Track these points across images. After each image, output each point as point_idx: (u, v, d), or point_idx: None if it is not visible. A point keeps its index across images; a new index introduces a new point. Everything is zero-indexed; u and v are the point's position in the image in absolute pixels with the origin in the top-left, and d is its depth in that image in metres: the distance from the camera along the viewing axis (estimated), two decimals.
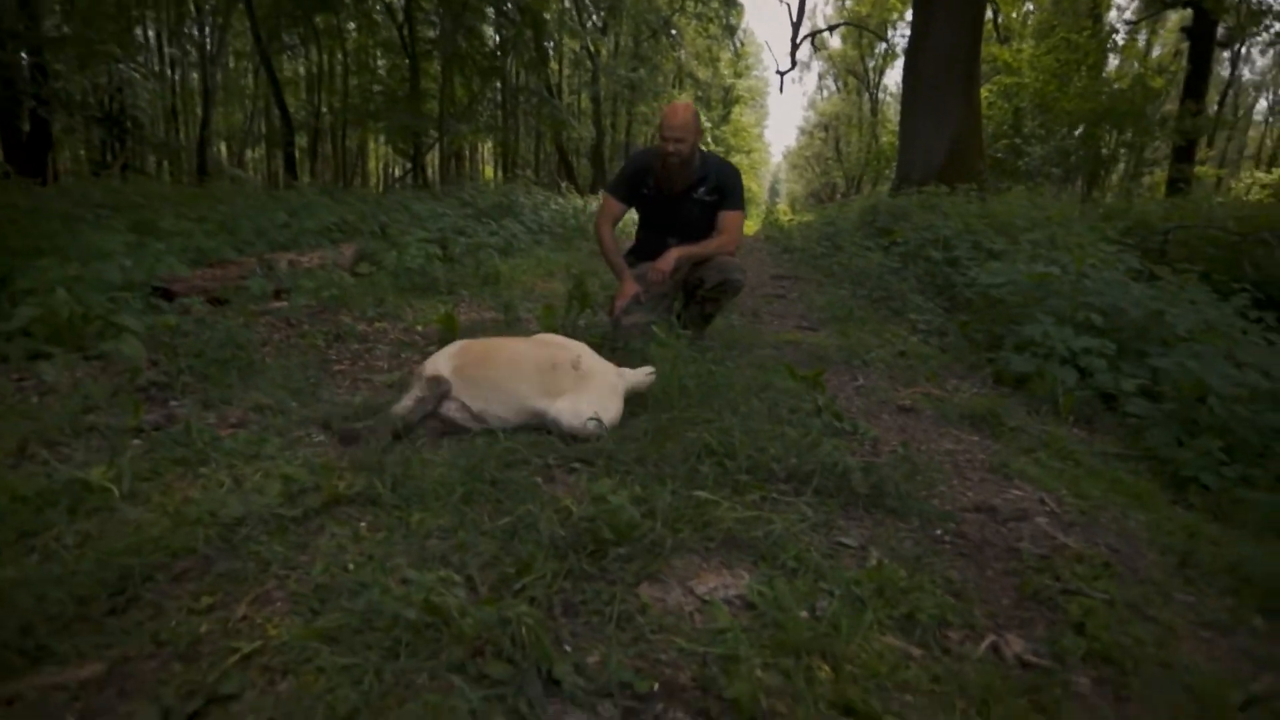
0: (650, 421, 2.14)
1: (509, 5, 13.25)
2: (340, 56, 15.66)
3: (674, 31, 21.41)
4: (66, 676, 1.02)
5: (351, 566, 1.31)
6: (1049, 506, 1.90)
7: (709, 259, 3.26)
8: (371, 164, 26.08)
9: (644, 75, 19.84)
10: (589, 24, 18.99)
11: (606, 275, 5.13)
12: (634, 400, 2.30)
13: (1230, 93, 27.38)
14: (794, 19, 20.93)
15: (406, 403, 2.07)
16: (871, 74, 33.54)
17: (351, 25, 15.33)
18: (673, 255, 3.17)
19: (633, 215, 3.62)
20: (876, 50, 31.96)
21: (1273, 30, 17.92)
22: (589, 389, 2.13)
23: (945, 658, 1.19)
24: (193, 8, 15.29)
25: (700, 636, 1.17)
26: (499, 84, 15.86)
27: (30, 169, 8.03)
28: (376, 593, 1.13)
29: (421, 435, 2.02)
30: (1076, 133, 14.52)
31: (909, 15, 14.33)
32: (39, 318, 2.30)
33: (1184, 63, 15.70)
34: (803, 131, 53.00)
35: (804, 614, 1.24)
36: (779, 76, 44.68)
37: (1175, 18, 21.67)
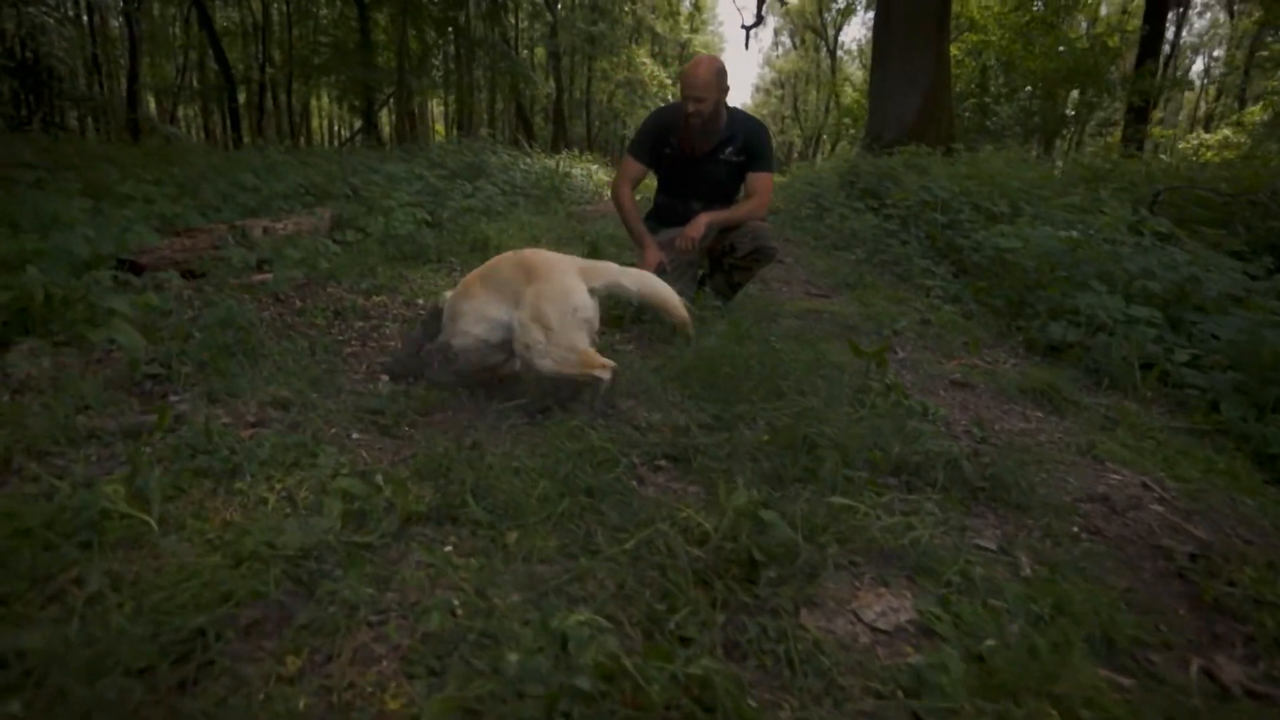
0: (720, 404, 1.96)
1: None
2: (281, 4, 14.54)
3: None
4: None
5: (460, 609, 1.10)
6: (1155, 492, 1.79)
7: (740, 224, 3.05)
8: (315, 122, 24.69)
9: (604, 29, 19.10)
10: None
11: (618, 235, 4.87)
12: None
13: (1173, 55, 28.07)
14: None
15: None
16: (829, 29, 33.20)
17: None
18: (702, 221, 2.96)
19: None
20: (834, 4, 31.59)
21: None
22: (524, 303, 1.91)
23: (1161, 688, 1.05)
24: None
25: (896, 677, 1.01)
26: (454, 36, 15.03)
27: None
28: (522, 653, 0.93)
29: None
30: (1037, 93, 14.61)
31: None
32: (6, 302, 1.95)
33: (1139, 23, 15.97)
34: (758, 89, 52.51)
35: (991, 641, 1.09)
36: (744, 31, 43.79)
37: None
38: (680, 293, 3.02)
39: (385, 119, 17.36)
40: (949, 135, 10.99)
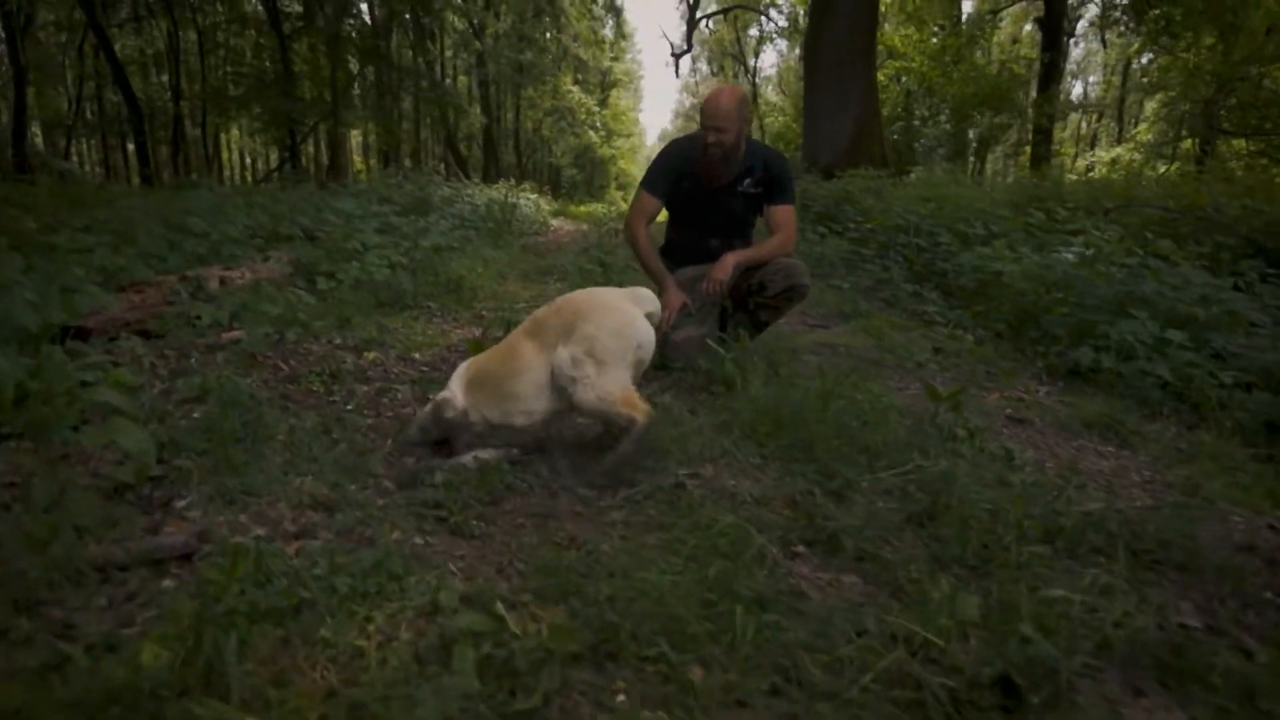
0: (811, 465, 1.77)
1: None
2: (193, 33, 13.66)
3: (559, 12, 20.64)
4: None
5: None
6: None
7: (766, 262, 2.89)
8: (225, 155, 23.37)
9: (532, 57, 18.95)
10: None
11: (588, 269, 4.66)
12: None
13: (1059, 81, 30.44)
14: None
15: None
16: (749, 56, 34.16)
17: None
18: (730, 262, 2.78)
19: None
20: (749, 33, 32.55)
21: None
22: (577, 337, 1.81)
23: None
24: None
25: None
26: (378, 65, 14.53)
27: None
28: None
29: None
30: (956, 117, 15.39)
31: None
32: None
33: (1038, 52, 17.23)
34: (678, 115, 53.51)
35: None
36: (673, 59, 44.50)
37: (1017, 9, 23.76)
38: (706, 335, 2.86)
39: (305, 152, 16.58)
40: (882, 158, 11.34)
